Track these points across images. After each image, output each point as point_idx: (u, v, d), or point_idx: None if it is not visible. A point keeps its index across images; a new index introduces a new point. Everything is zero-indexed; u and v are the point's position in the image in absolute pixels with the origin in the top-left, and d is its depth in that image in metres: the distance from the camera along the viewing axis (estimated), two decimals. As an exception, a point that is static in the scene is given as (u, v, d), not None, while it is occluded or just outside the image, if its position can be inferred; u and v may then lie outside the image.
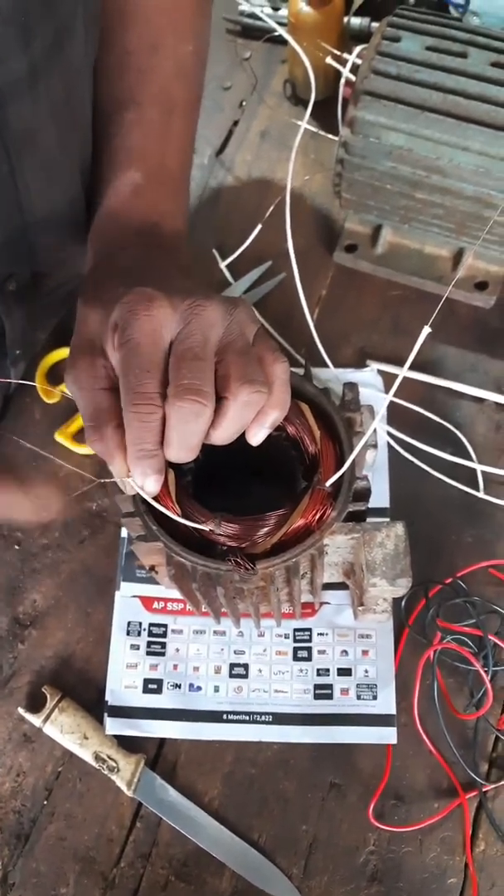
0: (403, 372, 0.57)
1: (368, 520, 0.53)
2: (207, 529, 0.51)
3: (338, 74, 0.79)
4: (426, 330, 0.52)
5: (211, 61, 0.88)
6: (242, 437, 0.59)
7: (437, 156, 0.63)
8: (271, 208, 0.79)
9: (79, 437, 0.71)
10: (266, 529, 0.51)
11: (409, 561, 0.50)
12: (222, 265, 0.78)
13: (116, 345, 0.45)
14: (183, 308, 0.45)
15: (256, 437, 0.48)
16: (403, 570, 0.50)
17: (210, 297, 0.46)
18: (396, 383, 0.54)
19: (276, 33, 0.84)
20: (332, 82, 0.82)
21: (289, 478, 0.57)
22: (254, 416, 0.47)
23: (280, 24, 0.86)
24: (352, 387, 0.57)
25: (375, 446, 0.67)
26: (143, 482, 0.45)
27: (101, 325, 0.47)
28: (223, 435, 0.47)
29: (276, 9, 0.87)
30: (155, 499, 0.49)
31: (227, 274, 0.78)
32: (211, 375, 0.45)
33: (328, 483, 0.51)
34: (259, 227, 0.78)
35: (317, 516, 0.51)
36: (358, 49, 0.73)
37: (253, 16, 0.88)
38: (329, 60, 0.73)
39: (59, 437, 0.71)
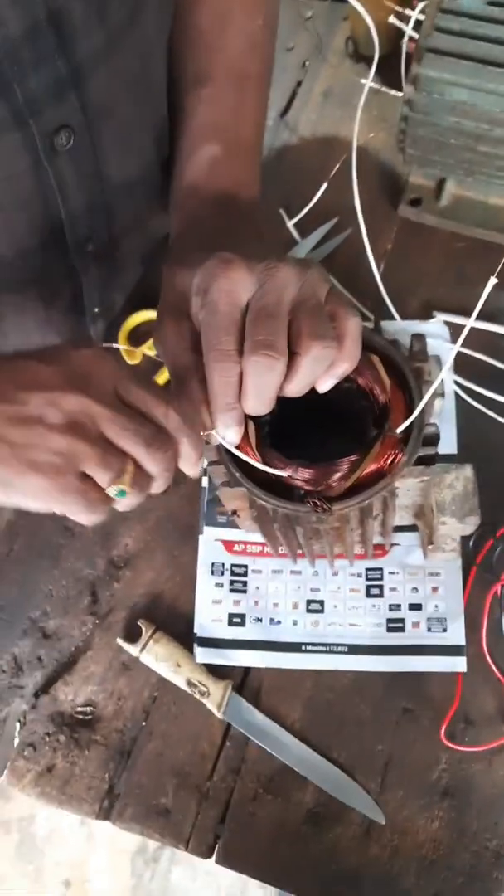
0: (470, 322, 0.60)
1: (437, 465, 0.57)
2: (286, 475, 0.55)
3: (400, 30, 0.80)
4: (492, 280, 0.55)
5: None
6: (316, 395, 0.63)
7: (501, 109, 0.65)
8: (336, 166, 0.82)
9: (161, 393, 0.76)
10: (340, 474, 0.55)
11: (476, 500, 0.54)
12: (289, 224, 0.81)
13: (199, 307, 0.50)
14: (259, 270, 0.49)
15: (324, 386, 0.51)
16: (472, 510, 0.54)
17: (284, 259, 0.50)
18: (464, 333, 0.57)
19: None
20: (395, 38, 0.83)
21: (360, 429, 0.61)
22: (325, 370, 0.51)
23: (341, -21, 0.87)
24: (419, 338, 0.61)
25: (443, 395, 0.70)
26: (225, 433, 0.50)
27: (185, 289, 0.51)
28: (296, 388, 0.50)
29: (336, -36, 0.88)
30: (237, 448, 0.54)
31: (295, 232, 0.81)
32: (284, 332, 0.49)
33: (399, 430, 0.55)
34: (325, 185, 0.81)
35: (388, 461, 0.55)
36: (420, 5, 0.74)
37: (314, -27, 0.89)
38: (392, 19, 0.75)
39: (143, 394, 0.76)
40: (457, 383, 0.73)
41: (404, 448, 0.55)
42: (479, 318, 0.75)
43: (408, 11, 0.75)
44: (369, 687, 0.66)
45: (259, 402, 0.49)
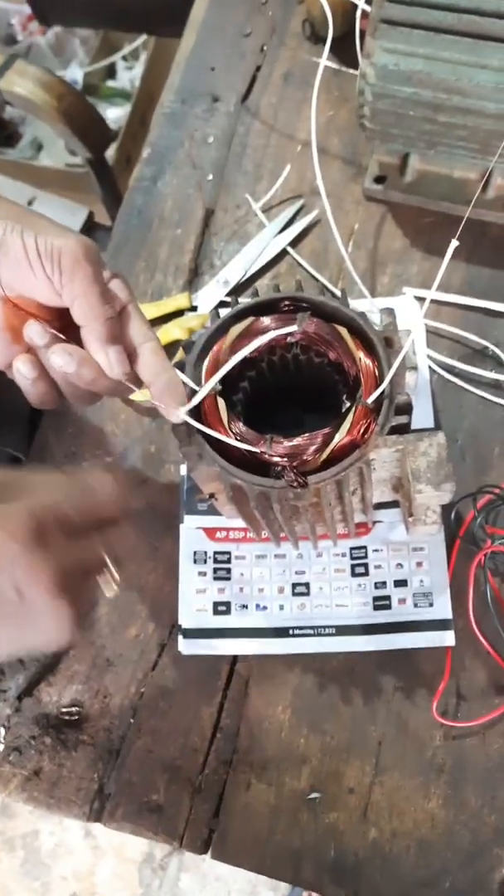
0: (432, 294, 0.59)
1: (410, 433, 0.56)
2: (259, 451, 0.54)
3: (354, 8, 0.80)
4: (454, 244, 0.55)
5: (229, 9, 0.90)
6: (286, 372, 0.63)
7: (457, 77, 0.64)
8: (299, 147, 0.82)
9: (133, 384, 0.75)
10: (314, 447, 0.54)
11: (451, 468, 0.53)
12: (255, 208, 0.80)
13: None
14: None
15: None
16: (447, 476, 0.53)
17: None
18: (426, 303, 0.57)
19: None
20: (350, 17, 0.82)
21: (336, 405, 0.60)
22: None
23: (294, -37, 0.87)
24: (389, 311, 0.60)
25: (416, 368, 0.69)
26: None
27: None
28: None
29: None
30: (208, 426, 0.53)
31: (262, 216, 0.80)
32: None
33: (370, 399, 0.54)
34: (288, 167, 0.80)
35: (361, 432, 0.54)
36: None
37: (267, -42, 0.88)
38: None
39: (115, 386, 0.75)
40: (431, 359, 0.73)
41: (377, 418, 0.54)
42: (449, 290, 0.76)
43: (360, -13, 0.74)
44: (359, 667, 0.65)
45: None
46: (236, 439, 0.54)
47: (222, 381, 0.57)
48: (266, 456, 0.54)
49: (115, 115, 1.75)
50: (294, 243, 0.79)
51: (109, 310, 0.51)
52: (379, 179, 0.78)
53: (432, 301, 0.73)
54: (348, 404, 0.57)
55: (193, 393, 0.56)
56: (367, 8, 0.72)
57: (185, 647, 0.67)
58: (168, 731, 0.66)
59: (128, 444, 0.74)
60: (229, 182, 0.82)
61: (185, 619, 0.67)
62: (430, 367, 0.72)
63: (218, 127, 0.85)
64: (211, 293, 0.78)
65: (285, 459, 0.54)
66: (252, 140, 0.84)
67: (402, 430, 0.55)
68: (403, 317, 0.70)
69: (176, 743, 0.65)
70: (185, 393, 0.54)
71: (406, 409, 0.55)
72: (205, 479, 0.57)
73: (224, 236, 0.80)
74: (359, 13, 0.75)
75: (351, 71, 0.83)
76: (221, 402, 0.56)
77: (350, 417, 0.54)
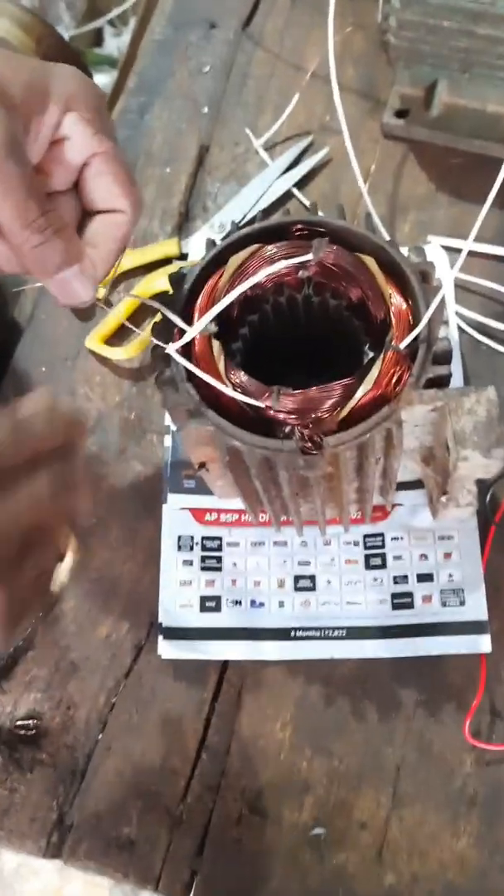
0: (469, 244, 0.49)
1: (451, 388, 0.45)
2: (263, 405, 0.43)
3: None
4: (492, 195, 0.44)
5: None
6: (296, 317, 0.52)
7: (505, -26, 0.54)
8: (307, 77, 0.71)
9: (111, 340, 0.64)
10: (332, 401, 0.43)
11: (503, 429, 0.43)
12: (257, 144, 0.69)
13: None
14: None
15: None
16: (499, 439, 0.42)
17: None
18: (462, 256, 0.47)
19: None
20: None
21: (354, 362, 0.49)
22: None
23: None
24: (418, 250, 0.49)
25: (446, 322, 0.59)
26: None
27: None
28: None
29: None
30: (201, 369, 0.43)
31: (264, 154, 0.69)
32: None
33: (404, 343, 0.43)
34: (296, 98, 0.69)
35: (392, 383, 0.43)
36: None
37: None
38: None
39: (91, 342, 0.64)
40: (461, 317, 0.62)
41: (410, 367, 0.44)
42: (483, 241, 0.65)
43: None
44: (374, 677, 0.54)
45: None
46: (235, 390, 0.44)
47: (219, 325, 0.46)
48: (272, 412, 0.44)
49: (100, 81, 1.65)
50: (300, 185, 0.68)
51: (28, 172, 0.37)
52: (400, 114, 0.68)
53: (459, 250, 0.63)
54: (372, 355, 0.47)
55: (183, 334, 0.45)
56: None
57: (166, 649, 0.56)
58: (143, 750, 0.55)
59: (103, 411, 0.63)
60: (227, 116, 0.72)
61: (167, 617, 0.56)
62: (458, 327, 0.62)
63: (215, 55, 0.74)
64: (203, 239, 0.67)
65: (295, 417, 0.44)
66: (254, 70, 0.73)
67: (442, 383, 0.44)
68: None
69: (152, 764, 0.54)
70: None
71: (446, 357, 0.44)
72: (195, 443, 0.47)
73: (220, 176, 0.70)
74: None
75: (370, -10, 0.72)
76: (217, 346, 0.45)
77: (378, 365, 0.43)
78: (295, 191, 0.68)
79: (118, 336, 0.64)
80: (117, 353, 0.63)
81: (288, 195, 0.68)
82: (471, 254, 0.64)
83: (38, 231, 0.37)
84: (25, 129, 0.38)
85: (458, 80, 0.64)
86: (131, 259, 0.66)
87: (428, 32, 0.59)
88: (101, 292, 0.43)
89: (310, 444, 0.42)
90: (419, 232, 0.66)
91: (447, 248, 0.64)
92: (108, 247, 0.41)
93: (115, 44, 1.72)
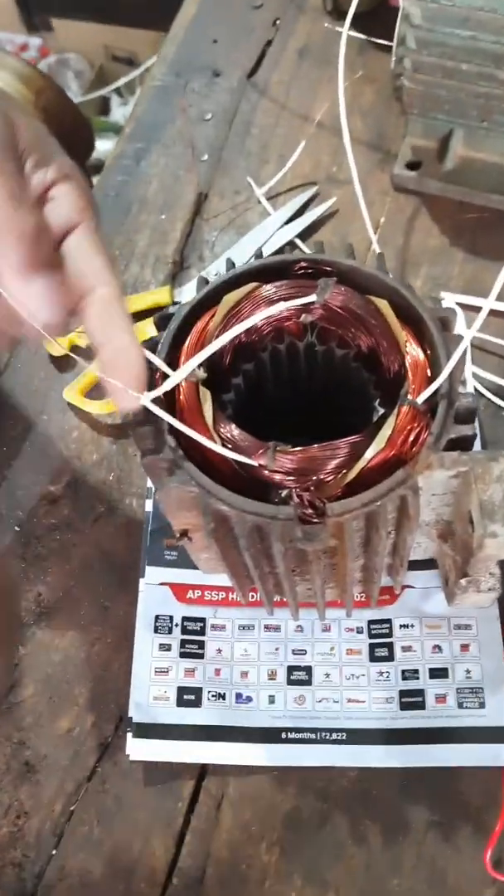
0: (490, 303, 0.43)
1: (477, 451, 0.39)
2: (257, 463, 0.37)
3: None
4: None
5: (239, -21, 0.77)
6: (295, 369, 0.46)
7: (529, 15, 0.50)
8: (313, 128, 0.67)
9: (90, 394, 0.58)
10: (338, 461, 0.37)
11: (539, 500, 0.36)
12: (259, 192, 0.65)
13: None
14: None
15: None
16: (534, 513, 0.36)
17: None
18: (482, 314, 0.41)
19: None
20: (380, -11, 0.70)
21: (362, 421, 0.43)
22: None
23: None
24: (434, 301, 0.44)
25: (464, 383, 0.53)
26: None
27: None
28: None
29: None
30: (184, 423, 0.36)
31: (266, 203, 0.65)
32: None
33: (422, 397, 0.37)
34: (301, 146, 0.65)
35: (407, 443, 0.37)
36: None
37: None
38: None
39: (69, 395, 0.58)
40: (478, 378, 0.57)
41: (429, 425, 0.37)
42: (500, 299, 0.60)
43: None
44: (379, 791, 0.46)
45: None
46: (225, 446, 0.37)
47: (210, 373, 0.40)
48: (266, 473, 0.37)
49: (105, 148, 1.65)
50: (304, 236, 0.63)
51: (30, 218, 0.34)
52: (412, 166, 0.64)
53: (479, 310, 0.57)
54: (383, 412, 0.41)
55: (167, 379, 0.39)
56: None
57: (136, 749, 0.48)
58: (104, 871, 0.46)
59: (80, 470, 0.57)
60: (228, 164, 0.68)
61: (138, 711, 0.49)
62: (475, 390, 0.56)
63: (218, 103, 0.71)
64: (198, 289, 0.62)
65: (294, 479, 0.37)
66: (258, 119, 0.70)
67: (465, 445, 0.38)
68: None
69: (115, 890, 0.46)
70: (145, 370, 0.36)
71: (471, 415, 0.38)
72: (176, 507, 0.40)
73: (218, 224, 0.65)
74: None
75: (381, 42, 0.69)
76: (206, 394, 0.39)
77: (392, 421, 0.37)
78: (298, 241, 0.63)
79: (100, 389, 0.58)
80: (97, 407, 0.57)
81: (290, 246, 0.63)
82: (490, 313, 0.59)
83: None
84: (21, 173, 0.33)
85: (475, 130, 0.60)
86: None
87: (445, 76, 0.55)
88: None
89: (310, 511, 0.35)
90: (431, 288, 0.61)
91: (462, 306, 0.59)
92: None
93: (121, 112, 1.73)
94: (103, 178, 0.68)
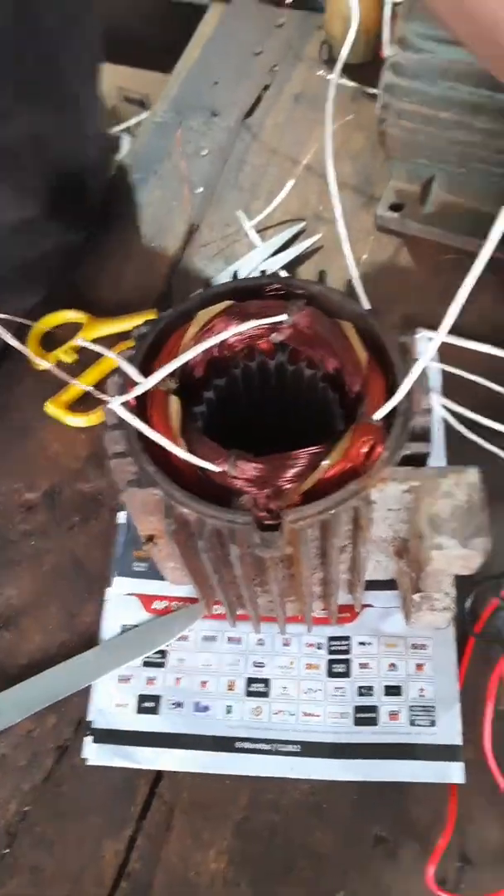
0: (441, 336, 0.45)
1: (430, 467, 0.41)
2: (219, 469, 0.39)
3: (380, 32, 0.71)
4: (467, 284, 0.41)
5: (241, 28, 0.81)
6: (266, 387, 0.48)
7: (504, 69, 0.53)
8: (302, 168, 0.70)
9: (73, 407, 0.60)
10: (296, 471, 0.39)
11: (486, 516, 0.38)
12: (248, 226, 0.68)
13: None
14: None
15: None
16: (479, 528, 0.37)
17: None
18: (434, 344, 0.42)
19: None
20: (372, 44, 0.74)
21: (327, 436, 0.45)
22: None
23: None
24: (404, 331, 0.46)
25: (430, 411, 0.55)
26: None
27: None
28: None
29: (312, -27, 0.81)
30: (152, 429, 0.38)
31: (254, 236, 0.68)
32: None
33: (378, 415, 0.39)
34: (290, 184, 0.69)
35: (363, 456, 0.39)
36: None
37: (287, -19, 0.81)
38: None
39: (51, 408, 0.60)
40: (448, 410, 0.58)
41: (385, 442, 0.39)
42: (476, 335, 0.63)
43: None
44: (330, 804, 0.47)
45: None
46: (188, 451, 0.39)
47: (182, 386, 0.42)
48: (228, 479, 0.39)
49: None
50: (290, 268, 0.66)
51: None
52: (395, 208, 0.67)
53: (454, 345, 0.60)
54: (344, 428, 0.43)
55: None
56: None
57: (94, 754, 0.49)
58: (54, 871, 0.46)
59: (57, 481, 0.58)
60: (221, 198, 0.71)
61: (99, 716, 0.50)
62: (445, 420, 0.58)
63: (214, 141, 0.74)
64: (184, 314, 0.64)
65: (254, 486, 0.39)
66: (251, 158, 0.73)
67: (419, 461, 0.40)
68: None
69: (62, 890, 0.46)
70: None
71: (425, 434, 0.40)
72: (141, 510, 0.42)
73: (207, 254, 0.68)
74: (387, 12, 0.65)
75: (371, 90, 0.73)
76: (175, 402, 0.41)
77: (349, 435, 0.39)
78: (283, 273, 0.66)
79: (83, 403, 0.60)
80: (78, 421, 0.59)
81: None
82: (462, 349, 0.61)
83: None
84: None
85: (455, 176, 0.63)
86: (107, 327, 0.63)
87: (425, 123, 0.58)
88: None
89: (265, 514, 0.37)
90: (408, 324, 0.63)
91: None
92: None
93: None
94: (103, 205, 0.71)
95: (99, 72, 0.65)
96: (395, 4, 0.65)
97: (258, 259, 0.66)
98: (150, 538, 0.45)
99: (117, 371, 0.42)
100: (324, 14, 0.78)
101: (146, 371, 0.42)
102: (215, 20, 0.82)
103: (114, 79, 1.82)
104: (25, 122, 0.55)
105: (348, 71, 0.75)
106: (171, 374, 0.41)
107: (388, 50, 0.57)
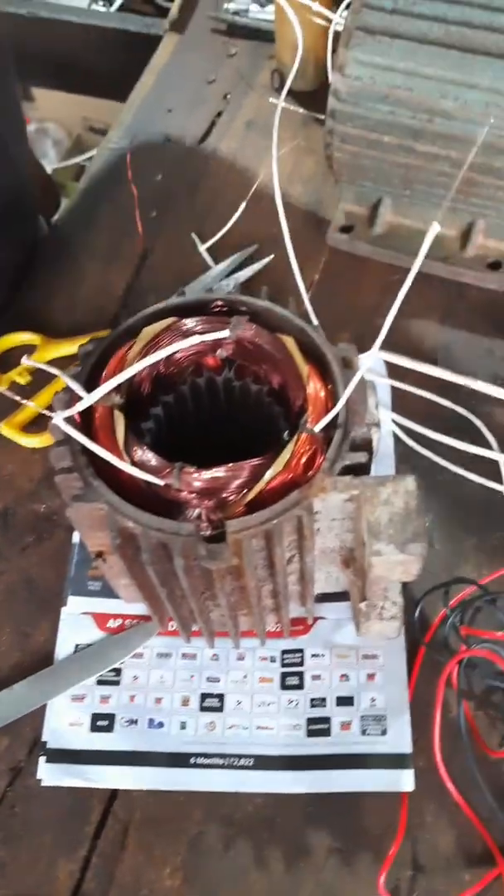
0: (374, 353, 0.47)
1: (369, 476, 0.42)
2: (163, 483, 0.39)
3: (327, 60, 0.73)
4: (399, 298, 0.43)
5: (194, 58, 0.83)
6: (215, 402, 0.49)
7: (441, 94, 0.55)
8: (256, 184, 0.72)
9: (27, 428, 0.60)
10: (239, 482, 0.39)
11: (423, 522, 0.39)
12: (202, 248, 0.69)
13: None
14: None
15: None
16: (416, 533, 0.38)
17: None
18: (369, 360, 0.44)
19: (267, 22, 0.80)
20: (322, 72, 0.76)
21: (273, 449, 0.46)
22: None
23: (267, 20, 0.82)
24: (348, 347, 0.47)
25: (378, 426, 0.56)
26: None
27: None
28: None
29: (262, 5, 0.83)
30: (93, 441, 0.39)
31: (207, 257, 0.69)
32: None
33: (318, 426, 0.40)
34: (243, 205, 0.70)
35: (303, 466, 0.40)
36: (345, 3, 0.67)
37: (239, 13, 0.83)
38: (317, 7, 0.67)
39: (5, 429, 0.60)
40: (397, 424, 0.60)
41: (325, 452, 0.40)
42: (422, 353, 0.64)
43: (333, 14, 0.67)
44: (283, 817, 0.47)
45: None
46: (134, 463, 0.39)
47: (129, 402, 0.43)
48: (173, 492, 0.40)
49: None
50: (242, 290, 0.67)
51: None
52: (345, 229, 0.68)
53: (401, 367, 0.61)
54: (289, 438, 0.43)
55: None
56: (340, 24, 0.64)
57: (48, 774, 0.48)
58: (7, 893, 0.46)
59: (10, 502, 0.58)
60: (174, 221, 0.72)
61: (53, 737, 0.49)
62: (394, 434, 0.59)
63: (168, 166, 0.75)
64: (138, 335, 0.65)
65: (199, 498, 0.40)
66: (205, 182, 0.74)
67: (360, 471, 0.40)
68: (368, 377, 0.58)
69: (14, 914, 0.46)
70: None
71: (365, 445, 0.41)
72: (88, 525, 0.42)
73: (160, 275, 0.69)
74: (331, 32, 0.67)
75: (320, 116, 0.75)
76: (119, 417, 0.41)
77: (290, 447, 0.40)
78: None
79: (36, 424, 0.61)
80: (32, 442, 0.59)
81: (227, 298, 0.67)
82: (409, 370, 0.62)
83: None
84: None
85: (401, 198, 0.65)
86: (61, 348, 0.63)
87: (369, 147, 0.60)
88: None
89: (207, 524, 0.38)
90: (359, 343, 0.64)
91: (387, 363, 0.62)
92: None
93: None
94: (53, 231, 0.72)
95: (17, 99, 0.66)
96: (337, 32, 0.67)
97: (211, 280, 0.67)
98: (100, 554, 0.45)
99: (64, 388, 0.42)
100: (274, 44, 0.80)
101: (91, 388, 0.43)
102: (169, 50, 0.84)
103: (78, 109, 1.84)
104: None
105: (299, 98, 0.77)
106: (117, 390, 0.41)
107: (331, 76, 0.58)
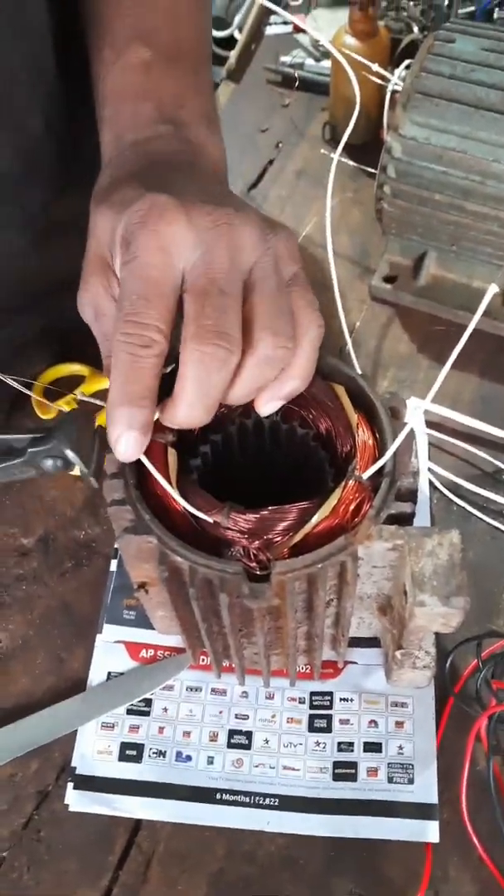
0: (425, 404, 0.49)
1: (414, 527, 0.43)
2: (212, 521, 0.40)
3: (379, 117, 0.76)
4: (454, 355, 0.45)
5: (249, 107, 0.86)
6: (260, 443, 0.50)
7: (494, 158, 0.57)
8: (306, 230, 0.74)
9: (72, 456, 0.62)
10: (286, 524, 0.40)
11: (465, 576, 0.39)
12: (249, 291, 0.71)
13: (121, 264, 0.37)
14: (205, 225, 0.37)
15: (266, 408, 0.40)
16: (460, 587, 0.39)
17: (242, 212, 0.38)
18: (419, 411, 0.46)
19: (321, 76, 0.82)
20: (373, 126, 0.78)
21: (317, 493, 0.47)
22: (272, 380, 0.39)
23: (322, 74, 0.84)
24: (394, 396, 0.48)
25: (416, 474, 0.57)
26: (120, 437, 0.36)
27: (111, 235, 0.39)
28: (237, 393, 0.38)
29: (318, 60, 0.86)
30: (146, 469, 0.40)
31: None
32: (239, 315, 0.37)
33: (367, 474, 0.41)
34: (291, 252, 0.72)
35: (351, 514, 0.41)
36: (406, 62, 0.69)
37: (295, 66, 0.86)
38: (375, 67, 0.69)
39: (50, 456, 0.61)
40: (433, 473, 0.61)
41: (372, 500, 0.41)
42: (461, 405, 0.65)
43: (390, 74, 0.70)
44: (305, 859, 0.47)
45: (198, 408, 0.37)
46: (186, 500, 0.41)
47: (179, 439, 0.44)
48: (220, 530, 0.41)
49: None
50: (286, 332, 0.69)
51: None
52: (388, 279, 0.70)
53: (439, 414, 0.62)
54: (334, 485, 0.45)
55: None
56: (398, 86, 0.67)
57: (75, 800, 0.49)
58: (28, 920, 0.46)
59: (51, 527, 0.60)
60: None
61: (82, 763, 0.50)
62: (430, 483, 0.60)
63: (219, 210, 0.78)
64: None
65: (246, 538, 0.41)
66: (254, 226, 0.76)
67: (404, 520, 0.41)
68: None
69: (36, 941, 0.46)
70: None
71: (411, 495, 0.42)
72: (135, 556, 0.43)
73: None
74: (388, 99, 0.70)
75: (370, 169, 0.77)
76: (172, 454, 0.43)
77: (338, 492, 0.41)
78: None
79: (80, 453, 0.62)
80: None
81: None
82: (448, 420, 0.63)
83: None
84: None
85: (446, 253, 0.67)
86: (102, 382, 0.65)
87: (419, 203, 0.62)
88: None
89: (255, 565, 0.39)
90: (398, 389, 0.66)
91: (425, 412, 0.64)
92: None
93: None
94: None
95: None
96: (393, 92, 0.69)
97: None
98: (142, 585, 0.46)
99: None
100: (328, 97, 0.82)
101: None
102: (225, 98, 0.87)
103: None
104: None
105: (348, 150, 0.79)
106: (170, 428, 0.43)
107: (387, 134, 0.61)
